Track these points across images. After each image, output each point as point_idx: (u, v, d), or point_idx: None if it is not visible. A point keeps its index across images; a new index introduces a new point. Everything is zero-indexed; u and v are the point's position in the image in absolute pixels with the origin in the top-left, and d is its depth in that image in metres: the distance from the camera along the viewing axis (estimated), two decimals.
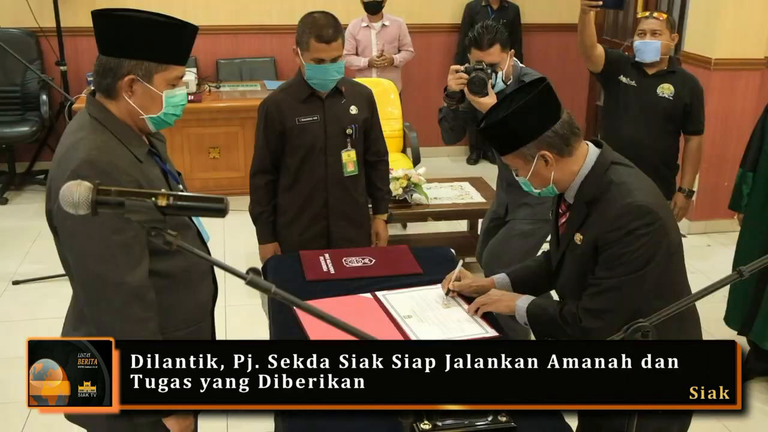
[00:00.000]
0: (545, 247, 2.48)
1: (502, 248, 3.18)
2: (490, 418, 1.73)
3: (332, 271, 2.56)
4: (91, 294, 1.73)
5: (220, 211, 1.34)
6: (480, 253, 3.39)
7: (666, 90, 3.48)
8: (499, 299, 2.18)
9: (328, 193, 2.94)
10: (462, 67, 2.91)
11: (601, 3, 3.25)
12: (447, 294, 2.32)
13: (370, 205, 3.17)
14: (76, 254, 1.73)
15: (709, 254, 4.92)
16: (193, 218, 1.94)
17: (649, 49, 3.46)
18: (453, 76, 2.91)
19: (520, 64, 3.10)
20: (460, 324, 2.18)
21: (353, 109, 2.93)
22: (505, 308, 2.16)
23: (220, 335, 2.36)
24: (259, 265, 2.77)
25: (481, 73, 2.86)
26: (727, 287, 3.28)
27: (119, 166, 1.71)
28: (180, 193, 1.78)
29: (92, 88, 1.85)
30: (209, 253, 1.95)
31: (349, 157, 2.93)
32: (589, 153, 1.97)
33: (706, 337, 3.59)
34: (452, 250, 2.78)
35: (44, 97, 5.82)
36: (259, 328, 2.97)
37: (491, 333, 2.13)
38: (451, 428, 1.71)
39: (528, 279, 2.29)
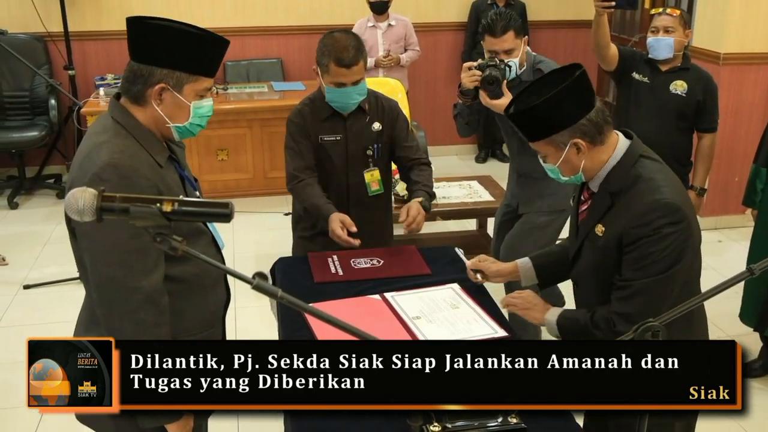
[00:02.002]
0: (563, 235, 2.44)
1: (520, 242, 3.13)
2: (500, 419, 1.71)
3: (340, 272, 2.55)
4: (104, 297, 1.73)
5: (225, 216, 1.34)
6: (495, 248, 3.36)
7: (679, 87, 3.45)
8: (531, 308, 2.14)
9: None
10: (475, 64, 2.85)
11: (614, 3, 3.22)
12: (476, 273, 2.36)
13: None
14: (92, 257, 1.73)
15: (720, 250, 4.89)
16: (208, 225, 1.94)
17: (661, 45, 3.43)
18: (466, 73, 2.85)
19: (533, 53, 3.05)
20: (469, 324, 2.16)
21: (376, 126, 2.81)
22: (533, 319, 2.14)
23: (229, 337, 2.36)
24: (268, 267, 2.76)
25: (494, 70, 2.79)
26: (742, 283, 3.25)
27: (141, 171, 1.71)
28: (185, 198, 1.78)
29: (117, 91, 1.85)
30: (223, 261, 1.95)
31: (372, 177, 2.83)
32: (618, 143, 1.93)
33: (719, 333, 3.58)
34: (460, 250, 2.75)
35: (53, 101, 5.85)
36: (267, 330, 2.96)
37: (500, 333, 2.12)
38: (461, 429, 1.69)
39: (549, 265, 2.28)
